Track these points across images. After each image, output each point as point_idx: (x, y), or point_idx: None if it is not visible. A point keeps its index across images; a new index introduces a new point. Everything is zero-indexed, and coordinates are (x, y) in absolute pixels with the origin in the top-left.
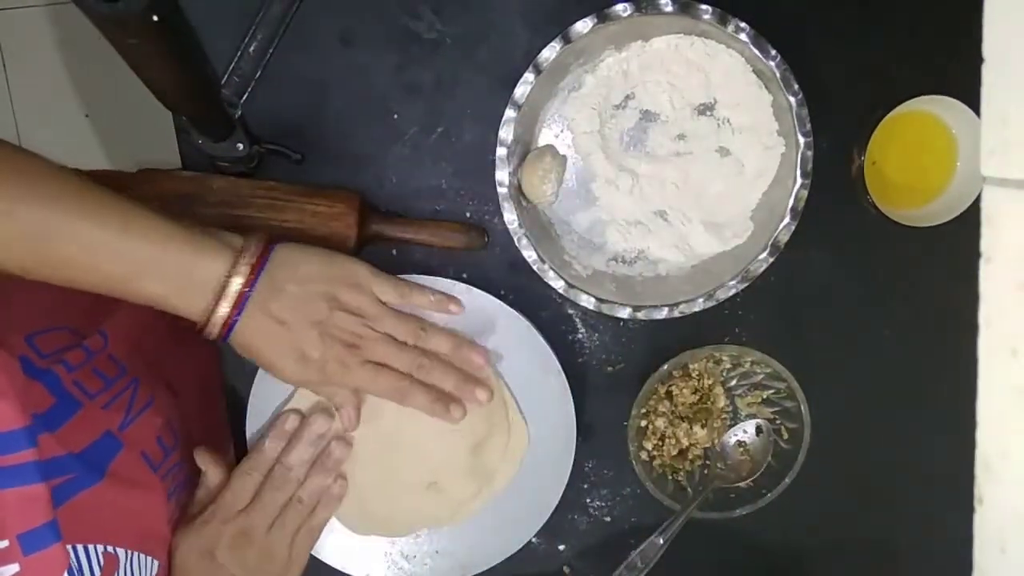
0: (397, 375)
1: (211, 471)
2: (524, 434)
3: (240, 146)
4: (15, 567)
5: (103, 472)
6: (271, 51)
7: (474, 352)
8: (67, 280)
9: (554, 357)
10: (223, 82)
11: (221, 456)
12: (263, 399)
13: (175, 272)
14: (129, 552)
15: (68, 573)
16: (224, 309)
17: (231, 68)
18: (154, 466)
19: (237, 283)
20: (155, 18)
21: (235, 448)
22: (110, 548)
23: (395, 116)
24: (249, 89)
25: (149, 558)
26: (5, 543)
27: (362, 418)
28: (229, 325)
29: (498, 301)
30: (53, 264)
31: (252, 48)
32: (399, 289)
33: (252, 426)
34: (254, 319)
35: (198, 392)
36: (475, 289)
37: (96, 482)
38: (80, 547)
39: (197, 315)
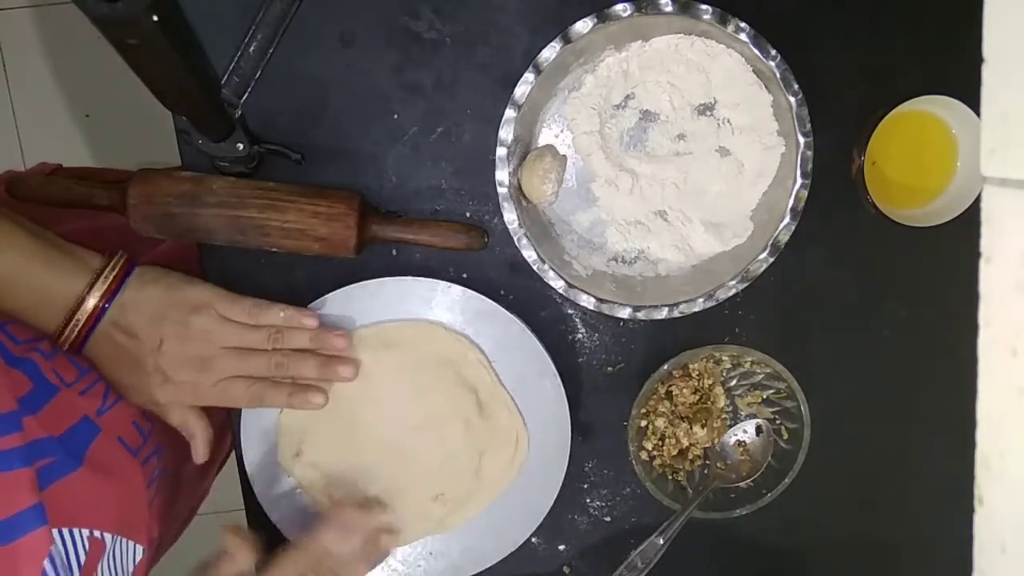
0: (248, 382)
1: (241, 554)
2: (526, 442)
3: (240, 146)
4: None
5: (82, 458)
6: (271, 51)
7: (333, 336)
8: None
9: (548, 359)
10: (223, 82)
11: (248, 539)
12: None
13: (32, 289)
14: (115, 537)
15: (50, 560)
16: (74, 330)
17: (231, 68)
18: (132, 451)
19: (91, 304)
20: (155, 18)
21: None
22: (96, 533)
23: (395, 116)
24: (249, 89)
25: (132, 543)
26: None
27: (368, 432)
28: (80, 343)
29: (492, 303)
30: None
31: (252, 48)
32: (246, 308)
33: (248, 426)
34: (102, 342)
35: None
36: (469, 291)
37: (75, 468)
38: (65, 531)
39: (51, 332)
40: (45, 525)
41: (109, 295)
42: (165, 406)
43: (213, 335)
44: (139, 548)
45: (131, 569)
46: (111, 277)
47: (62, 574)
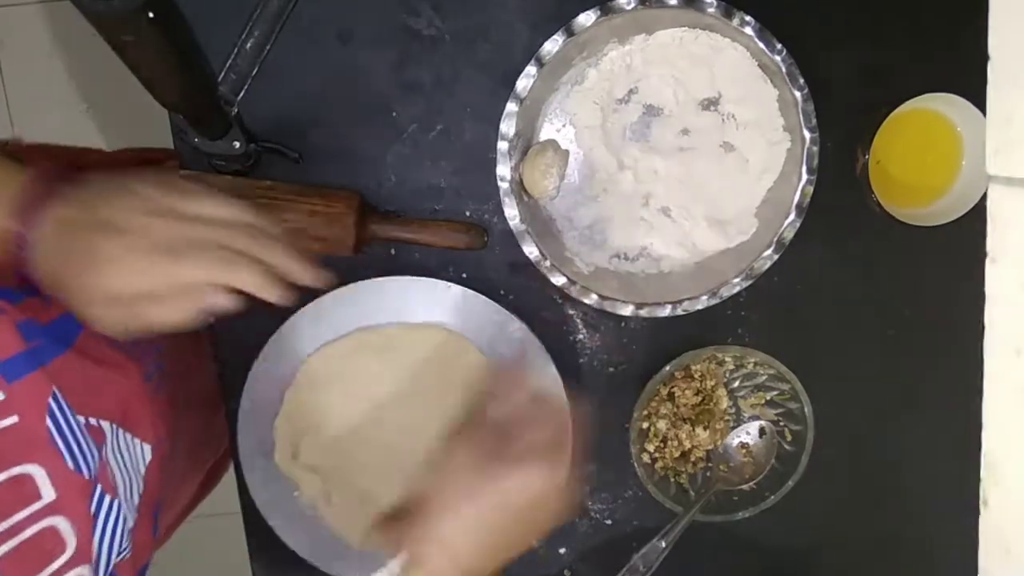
0: (219, 248)
1: None
2: None
3: (236, 144)
4: (0, 396)
5: (70, 343)
6: (268, 48)
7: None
8: None
9: (549, 359)
10: (220, 79)
11: None
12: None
13: None
14: (114, 427)
15: (51, 415)
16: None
17: (228, 65)
18: (121, 347)
19: (24, 197)
20: (151, 15)
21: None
22: (92, 420)
23: (394, 114)
24: (246, 86)
25: (137, 440)
26: None
27: (367, 434)
28: (22, 245)
29: (492, 303)
30: None
31: (249, 45)
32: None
33: (245, 427)
34: (51, 235)
35: None
36: (469, 291)
37: (63, 351)
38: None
39: None
40: (38, 369)
41: (47, 187)
42: (149, 289)
43: (177, 206)
44: (145, 447)
45: (142, 469)
46: (47, 169)
47: (70, 442)
